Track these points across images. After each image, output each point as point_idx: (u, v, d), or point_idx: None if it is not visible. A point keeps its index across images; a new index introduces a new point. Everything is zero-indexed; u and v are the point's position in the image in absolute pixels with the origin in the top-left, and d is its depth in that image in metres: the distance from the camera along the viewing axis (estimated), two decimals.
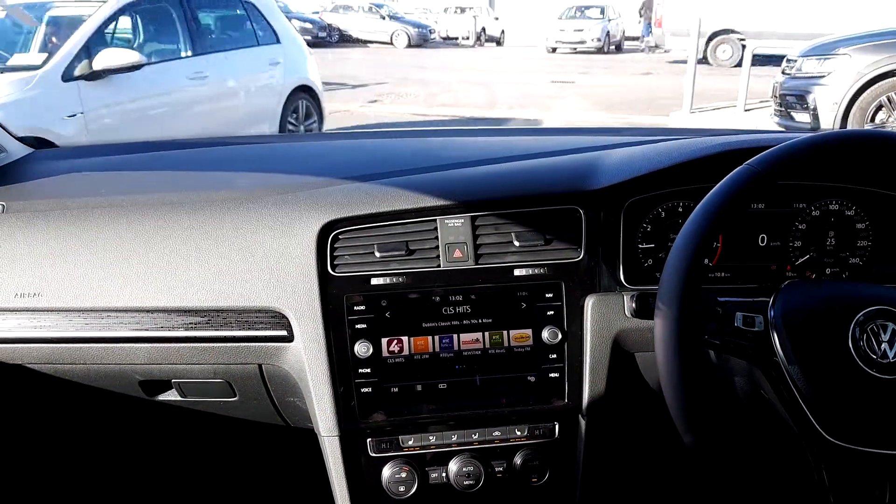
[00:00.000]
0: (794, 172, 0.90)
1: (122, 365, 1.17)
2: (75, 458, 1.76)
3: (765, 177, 0.88)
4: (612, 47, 19.69)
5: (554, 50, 19.20)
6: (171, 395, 1.25)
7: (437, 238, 1.12)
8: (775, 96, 6.61)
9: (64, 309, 1.14)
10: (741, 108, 7.92)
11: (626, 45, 20.68)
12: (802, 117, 6.17)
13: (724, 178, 0.90)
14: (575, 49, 19.03)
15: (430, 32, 21.27)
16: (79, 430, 1.63)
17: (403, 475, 1.13)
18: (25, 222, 1.19)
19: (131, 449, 1.77)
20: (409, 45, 19.60)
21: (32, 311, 1.15)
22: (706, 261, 1.20)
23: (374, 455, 1.14)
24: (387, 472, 1.13)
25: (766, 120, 7.14)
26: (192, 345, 1.14)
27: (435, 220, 1.12)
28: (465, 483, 1.13)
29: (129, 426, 1.56)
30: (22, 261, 1.16)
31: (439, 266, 1.11)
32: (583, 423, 1.16)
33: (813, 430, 0.85)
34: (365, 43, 19.62)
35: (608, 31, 19.45)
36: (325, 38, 18.84)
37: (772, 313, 0.89)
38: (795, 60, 6.30)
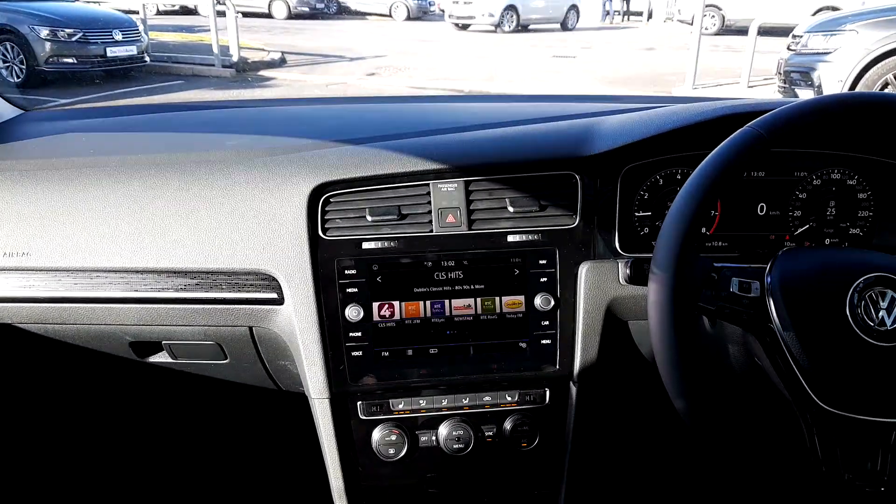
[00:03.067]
0: (796, 135, 0.87)
1: (112, 325, 1.17)
2: (67, 419, 1.76)
3: (766, 139, 0.86)
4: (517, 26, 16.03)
5: (465, 27, 16.17)
6: (162, 357, 1.25)
7: (429, 203, 1.10)
8: (780, 73, 6.54)
9: (53, 269, 1.13)
10: (745, 84, 7.85)
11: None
12: (807, 94, 6.11)
13: (725, 141, 0.88)
14: (465, 26, 16.07)
15: (430, 5, 20.98)
16: (71, 391, 1.63)
17: (393, 438, 1.13)
18: (13, 182, 1.17)
19: (123, 411, 1.77)
20: (409, 18, 19.19)
21: (21, 271, 1.14)
22: (703, 229, 1.18)
23: (364, 418, 1.14)
24: (377, 434, 1.14)
25: (770, 96, 7.09)
26: (182, 306, 1.13)
27: (428, 185, 1.11)
28: (454, 447, 1.14)
29: (121, 388, 1.57)
30: (9, 220, 1.15)
31: (432, 231, 1.10)
32: (574, 389, 1.15)
33: (807, 397, 0.84)
34: (363, 15, 19.38)
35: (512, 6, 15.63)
36: (324, 9, 18.57)
37: (769, 279, 0.88)
38: (801, 36, 6.23)
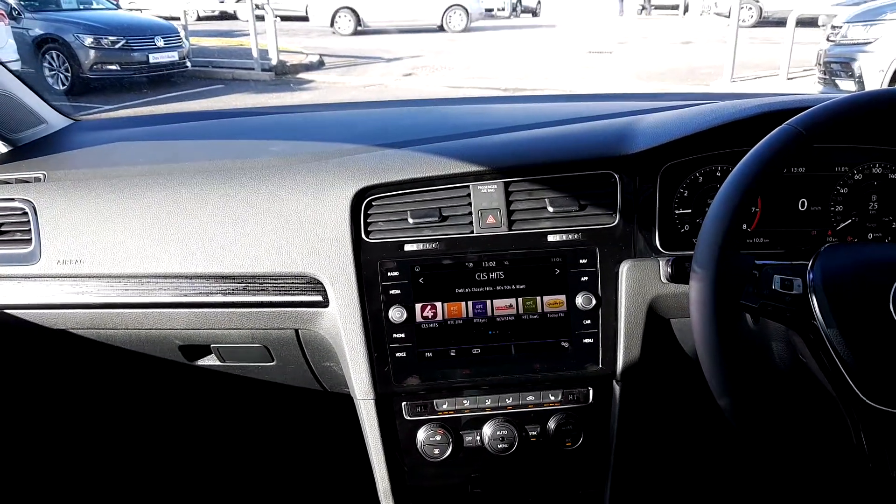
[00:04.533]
0: (837, 132, 0.86)
1: (162, 330, 1.20)
2: (119, 422, 1.82)
3: (805, 137, 0.85)
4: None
5: None
6: (211, 360, 1.28)
7: (470, 204, 1.11)
8: (819, 64, 6.40)
9: (105, 275, 1.17)
10: (784, 77, 7.68)
11: None
12: (847, 85, 5.96)
13: (764, 139, 0.87)
14: None
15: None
16: (123, 394, 1.68)
17: (438, 438, 1.14)
18: (66, 190, 1.21)
19: (173, 413, 1.82)
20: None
21: (74, 278, 1.18)
22: (744, 226, 1.17)
23: (409, 418, 1.15)
24: (422, 434, 1.15)
25: (810, 88, 6.92)
26: (230, 310, 1.16)
27: (468, 187, 1.12)
28: (499, 447, 1.14)
29: (171, 391, 1.61)
30: (63, 228, 1.19)
31: (472, 232, 1.11)
32: (617, 388, 1.15)
33: (852, 393, 0.83)
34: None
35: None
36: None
37: (811, 276, 0.87)
38: (841, 27, 6.07)
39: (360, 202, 1.11)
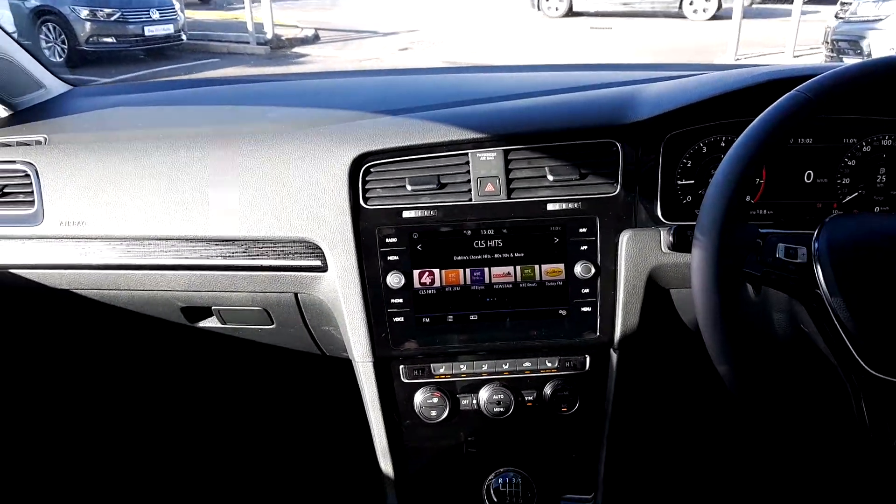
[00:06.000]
0: (846, 99, 0.85)
1: (164, 291, 1.21)
2: (121, 382, 1.83)
3: (813, 103, 0.84)
4: None
5: None
6: (212, 322, 1.29)
7: (468, 172, 1.11)
8: (827, 42, 6.34)
9: (106, 237, 1.18)
10: (790, 54, 7.62)
11: None
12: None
13: (772, 106, 0.86)
14: None
15: None
16: (125, 355, 1.70)
17: (435, 400, 1.16)
18: (67, 153, 1.22)
19: (175, 374, 1.84)
20: None
21: (77, 239, 1.19)
22: (748, 198, 1.17)
23: (406, 381, 1.17)
24: (419, 397, 1.16)
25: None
26: (230, 273, 1.17)
27: (467, 154, 1.11)
28: (495, 410, 1.16)
29: (174, 352, 1.62)
30: (65, 190, 1.20)
31: (471, 200, 1.11)
32: (614, 356, 1.16)
33: (854, 362, 0.83)
34: None
35: None
36: None
37: (816, 245, 0.87)
38: (850, 3, 6.01)
39: (359, 168, 1.11)
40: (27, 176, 1.21)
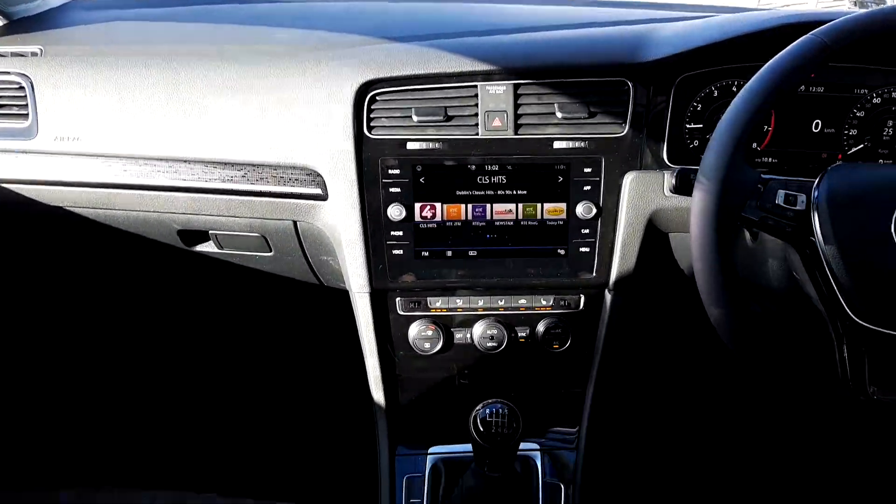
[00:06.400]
0: (861, 46, 0.84)
1: (161, 213, 1.20)
2: (117, 305, 1.85)
3: (829, 48, 0.82)
4: None
5: None
6: (209, 247, 1.29)
7: (476, 105, 1.09)
8: None
9: (102, 154, 1.17)
10: (814, 2, 7.38)
11: None
12: None
13: (786, 48, 0.84)
14: None
15: None
16: (121, 277, 1.70)
17: (429, 333, 1.17)
18: (63, 66, 1.18)
19: (172, 300, 1.85)
20: None
21: (72, 155, 1.17)
22: (755, 145, 1.16)
23: (402, 313, 1.17)
24: (414, 329, 1.18)
25: None
26: (228, 197, 1.15)
27: (476, 87, 1.09)
28: (488, 345, 1.17)
29: (171, 276, 1.63)
30: (60, 104, 1.17)
31: (477, 134, 1.09)
32: (608, 297, 1.17)
33: (840, 310, 0.84)
34: None
35: None
36: None
37: (815, 193, 0.86)
38: None
39: (364, 96, 1.08)
40: (21, 88, 1.18)
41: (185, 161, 1.15)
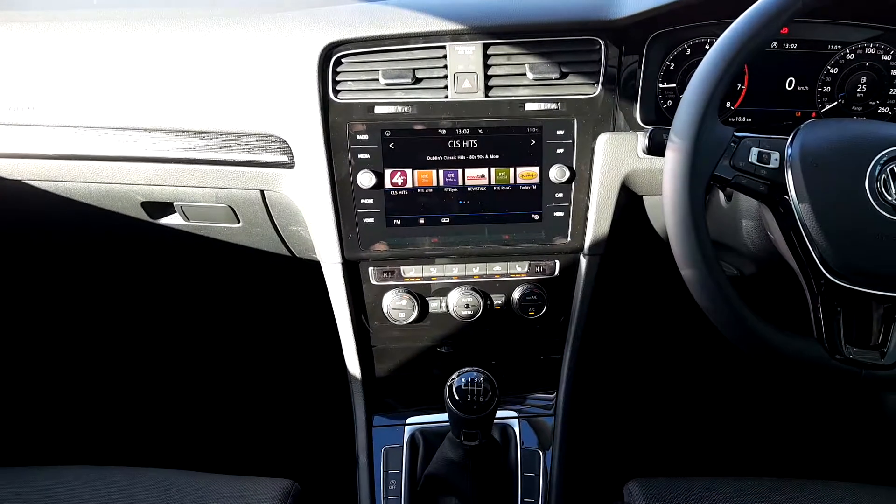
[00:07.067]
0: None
1: (123, 185, 1.16)
2: (80, 278, 1.80)
3: (802, 0, 0.81)
4: None
5: None
6: (175, 220, 1.25)
7: (445, 66, 1.06)
8: None
9: (59, 125, 1.12)
10: None
11: None
12: None
13: (758, 1, 0.82)
14: None
15: None
16: (86, 252, 1.66)
17: (404, 303, 1.15)
18: (15, 33, 1.13)
19: (140, 275, 1.81)
20: None
21: (28, 126, 1.13)
22: (728, 104, 1.14)
23: (375, 283, 1.16)
24: (388, 299, 1.16)
25: None
26: (191, 166, 1.12)
27: (444, 47, 1.06)
28: (463, 313, 1.16)
29: (137, 251, 1.59)
30: (13, 74, 1.12)
31: (447, 97, 1.06)
32: (583, 261, 1.16)
33: (815, 268, 0.84)
34: None
35: None
36: None
37: (789, 150, 0.85)
38: None
39: (329, 58, 1.05)
40: None
41: (145, 130, 1.11)
